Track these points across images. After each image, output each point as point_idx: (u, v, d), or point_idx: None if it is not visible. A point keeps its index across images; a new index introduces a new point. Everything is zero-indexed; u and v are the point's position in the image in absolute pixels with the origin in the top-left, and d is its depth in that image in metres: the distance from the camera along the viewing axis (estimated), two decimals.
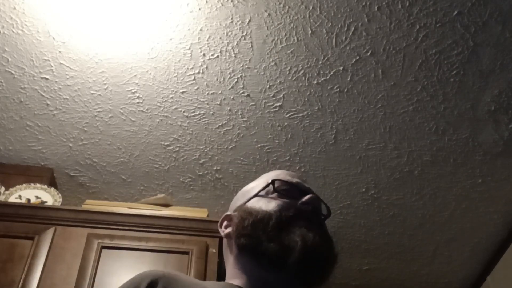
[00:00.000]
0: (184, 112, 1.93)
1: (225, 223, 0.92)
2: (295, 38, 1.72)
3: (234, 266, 0.86)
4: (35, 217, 1.71)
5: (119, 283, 0.77)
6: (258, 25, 1.69)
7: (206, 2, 1.62)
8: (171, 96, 1.89)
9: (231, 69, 1.81)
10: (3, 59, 1.76)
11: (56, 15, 1.65)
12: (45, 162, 2.08)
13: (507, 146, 2.05)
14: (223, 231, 0.92)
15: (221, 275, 1.59)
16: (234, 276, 0.85)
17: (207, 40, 1.72)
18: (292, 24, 1.69)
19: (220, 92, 1.88)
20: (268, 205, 0.86)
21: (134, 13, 1.65)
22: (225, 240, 0.92)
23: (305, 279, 0.81)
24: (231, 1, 1.62)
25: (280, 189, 0.90)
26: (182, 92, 1.88)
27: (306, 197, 0.87)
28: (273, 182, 0.90)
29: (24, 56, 1.75)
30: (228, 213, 0.94)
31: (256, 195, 0.91)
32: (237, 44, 1.74)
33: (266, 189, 0.90)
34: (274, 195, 0.89)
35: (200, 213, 1.92)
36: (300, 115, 1.95)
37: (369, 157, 2.10)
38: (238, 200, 0.95)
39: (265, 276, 0.81)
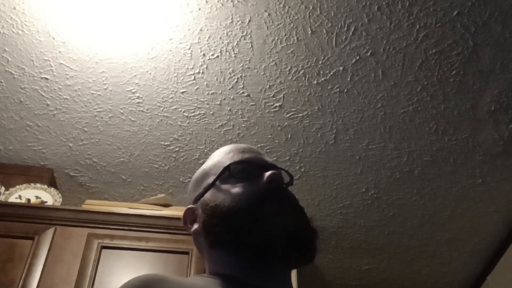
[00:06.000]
0: (184, 112, 1.93)
1: (190, 218, 0.85)
2: (295, 38, 1.72)
3: (211, 260, 0.80)
4: (35, 217, 1.71)
5: (119, 283, 0.76)
6: (258, 25, 1.69)
7: (206, 2, 1.62)
8: (171, 96, 1.89)
9: (231, 69, 1.81)
10: (3, 59, 1.76)
11: (56, 15, 1.65)
12: (45, 162, 2.08)
13: (507, 146, 2.05)
14: (190, 227, 0.84)
15: None
16: (214, 268, 0.79)
17: (207, 40, 1.72)
18: (292, 24, 1.69)
19: (220, 92, 1.88)
20: (231, 194, 0.78)
21: (134, 13, 1.65)
22: (194, 237, 0.84)
23: (291, 263, 0.78)
24: (231, 1, 1.62)
25: (238, 171, 0.82)
26: (182, 92, 1.88)
27: (268, 175, 0.79)
28: (228, 167, 0.82)
29: (24, 56, 1.75)
30: (190, 206, 0.86)
31: (213, 184, 0.82)
32: (237, 44, 1.74)
33: (222, 175, 0.82)
34: (233, 180, 0.81)
35: None
36: (300, 115, 1.95)
37: (369, 157, 2.10)
38: (195, 190, 0.87)
39: (248, 265, 0.76)
